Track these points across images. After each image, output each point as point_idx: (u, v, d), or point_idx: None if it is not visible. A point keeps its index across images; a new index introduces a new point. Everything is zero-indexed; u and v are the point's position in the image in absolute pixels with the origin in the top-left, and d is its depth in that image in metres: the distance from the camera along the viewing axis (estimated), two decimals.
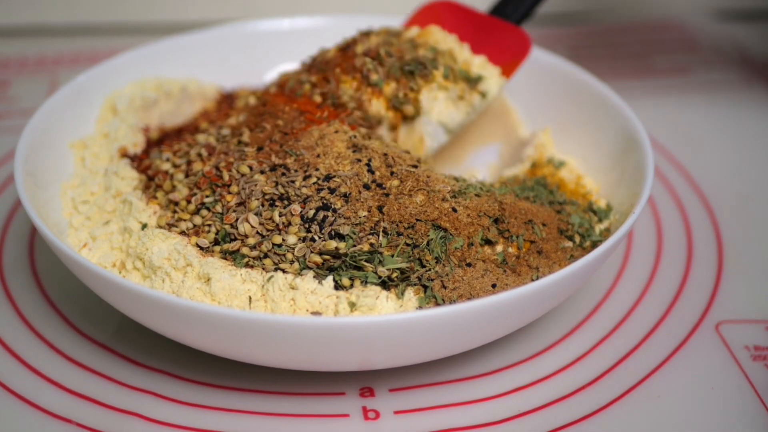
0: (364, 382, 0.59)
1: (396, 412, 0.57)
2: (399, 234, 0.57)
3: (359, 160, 0.60)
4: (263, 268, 0.57)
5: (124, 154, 0.67)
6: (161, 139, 0.70)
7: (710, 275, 0.67)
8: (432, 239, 0.57)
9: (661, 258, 0.69)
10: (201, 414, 0.56)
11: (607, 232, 0.63)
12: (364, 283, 0.56)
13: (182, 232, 0.59)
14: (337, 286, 0.56)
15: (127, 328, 0.61)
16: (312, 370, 0.57)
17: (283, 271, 0.56)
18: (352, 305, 0.54)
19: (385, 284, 0.56)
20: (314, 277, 0.56)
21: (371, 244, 0.57)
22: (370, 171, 0.60)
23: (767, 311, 0.64)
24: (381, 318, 0.51)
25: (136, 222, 0.60)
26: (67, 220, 0.62)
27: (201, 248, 0.58)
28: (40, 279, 0.66)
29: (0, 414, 0.56)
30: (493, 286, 0.57)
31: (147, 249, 0.58)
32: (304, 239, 0.57)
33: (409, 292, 0.56)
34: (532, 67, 0.75)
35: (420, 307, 0.55)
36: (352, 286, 0.56)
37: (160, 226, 0.60)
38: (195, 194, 0.61)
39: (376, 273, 0.56)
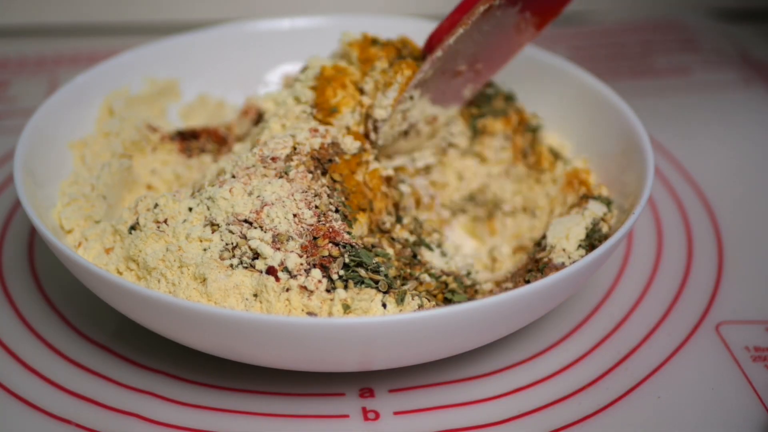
0: (364, 382, 0.58)
1: (396, 413, 0.57)
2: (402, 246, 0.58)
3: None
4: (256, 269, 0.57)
5: (125, 155, 0.67)
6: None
7: (710, 275, 0.67)
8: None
9: (661, 258, 0.69)
10: (200, 414, 0.56)
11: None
12: (359, 284, 0.56)
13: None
14: (331, 288, 0.56)
15: (126, 328, 0.61)
16: (310, 370, 0.57)
17: (276, 274, 0.56)
18: (346, 307, 0.54)
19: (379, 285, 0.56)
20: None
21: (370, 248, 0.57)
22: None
23: (767, 312, 0.64)
24: (380, 319, 0.51)
25: (124, 223, 0.60)
26: (64, 220, 0.62)
27: None
28: (40, 279, 0.66)
29: None
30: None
31: (140, 251, 0.58)
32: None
33: (408, 297, 0.55)
34: (532, 67, 0.74)
35: (420, 307, 0.55)
36: (346, 287, 0.56)
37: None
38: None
39: (370, 278, 0.56)
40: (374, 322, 0.51)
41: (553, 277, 0.53)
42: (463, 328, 0.53)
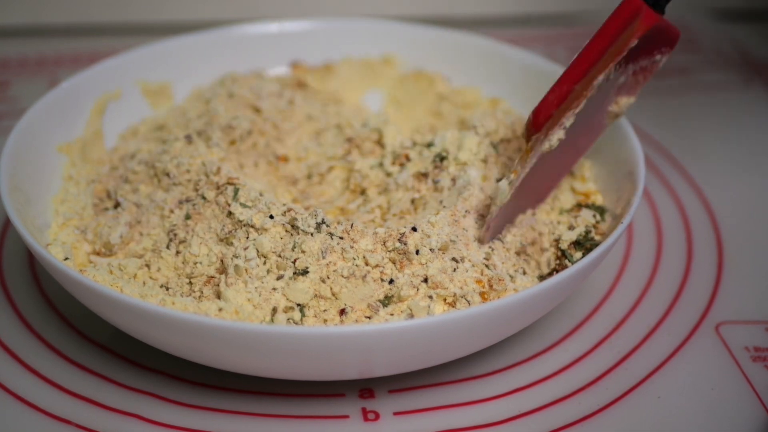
0: (364, 383, 0.58)
1: (396, 413, 0.57)
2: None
3: None
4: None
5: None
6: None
7: (710, 276, 0.67)
8: None
9: (661, 258, 0.69)
10: (201, 415, 0.56)
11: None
12: None
13: None
14: None
15: None
16: (307, 379, 0.57)
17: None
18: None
19: None
20: None
21: None
22: None
23: (767, 312, 0.64)
24: (379, 327, 0.50)
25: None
26: (62, 245, 0.61)
27: None
28: (40, 280, 0.66)
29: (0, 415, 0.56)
30: None
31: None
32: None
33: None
34: (521, 72, 0.74)
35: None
36: None
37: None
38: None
39: None
40: (373, 330, 0.50)
41: (548, 283, 0.53)
42: (457, 334, 0.53)
